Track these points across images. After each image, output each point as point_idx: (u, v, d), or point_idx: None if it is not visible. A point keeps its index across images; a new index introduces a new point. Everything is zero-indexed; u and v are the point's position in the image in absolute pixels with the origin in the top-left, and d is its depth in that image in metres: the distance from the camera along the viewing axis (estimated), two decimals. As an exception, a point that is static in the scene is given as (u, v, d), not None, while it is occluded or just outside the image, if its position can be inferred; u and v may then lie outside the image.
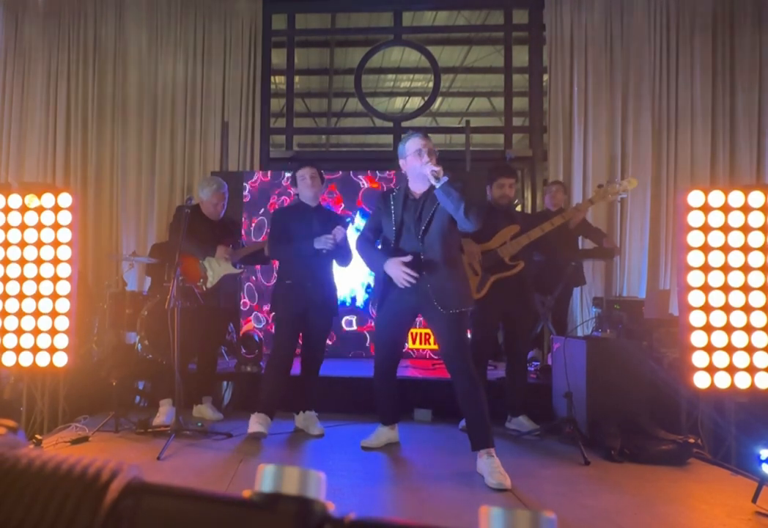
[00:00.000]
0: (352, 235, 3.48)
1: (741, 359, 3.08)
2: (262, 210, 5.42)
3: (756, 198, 3.13)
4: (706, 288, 3.11)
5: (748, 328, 3.09)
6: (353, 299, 5.33)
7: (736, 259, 3.11)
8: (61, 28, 6.15)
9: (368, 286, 5.30)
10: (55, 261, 3.33)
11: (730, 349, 3.08)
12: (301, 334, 3.45)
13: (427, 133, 2.89)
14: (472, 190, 2.91)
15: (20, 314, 3.33)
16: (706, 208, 3.14)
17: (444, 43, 7.15)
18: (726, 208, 3.13)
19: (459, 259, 2.94)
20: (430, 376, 4.31)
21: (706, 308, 3.11)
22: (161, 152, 6.05)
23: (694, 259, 3.12)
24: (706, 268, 3.12)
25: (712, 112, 5.78)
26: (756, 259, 3.11)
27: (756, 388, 3.06)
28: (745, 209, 3.13)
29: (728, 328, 3.10)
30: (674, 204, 5.35)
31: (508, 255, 3.45)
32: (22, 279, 3.33)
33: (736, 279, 3.11)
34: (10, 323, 3.34)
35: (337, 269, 3.47)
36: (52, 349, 3.33)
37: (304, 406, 3.49)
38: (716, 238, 3.12)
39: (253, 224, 5.44)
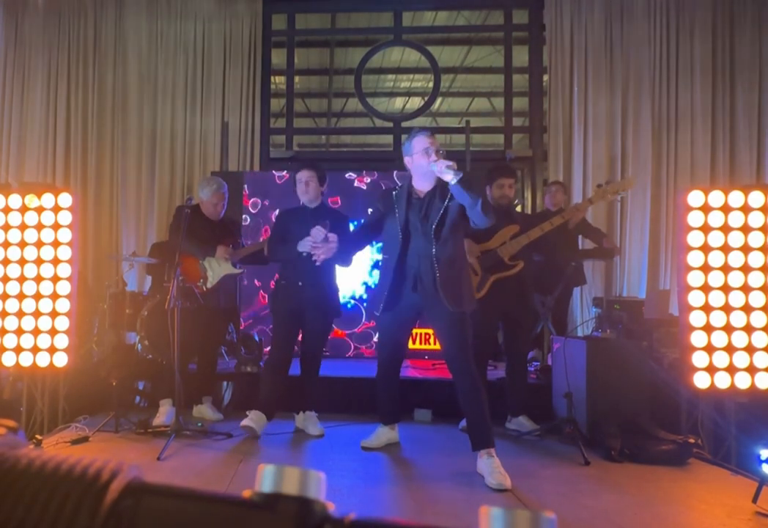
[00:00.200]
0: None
1: (741, 359, 3.07)
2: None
3: (756, 198, 3.13)
4: (706, 288, 3.11)
5: (748, 328, 3.09)
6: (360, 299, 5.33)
7: (736, 259, 3.11)
8: (61, 28, 6.15)
9: (368, 287, 5.30)
10: (55, 261, 3.33)
11: (730, 349, 3.08)
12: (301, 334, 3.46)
13: (428, 133, 2.88)
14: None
15: (20, 314, 3.33)
16: (706, 208, 3.14)
17: (444, 43, 7.15)
18: (726, 208, 3.13)
19: (464, 258, 2.94)
20: (430, 376, 4.31)
21: (706, 308, 3.11)
22: (161, 152, 6.05)
23: (694, 259, 3.12)
24: (706, 268, 3.11)
25: (712, 112, 5.78)
26: (756, 259, 3.11)
27: (756, 388, 3.06)
28: (745, 209, 3.13)
29: (728, 328, 3.09)
30: (674, 204, 5.36)
31: (507, 255, 3.45)
32: (22, 279, 3.33)
33: (736, 279, 3.10)
34: (10, 323, 3.33)
35: (341, 270, 3.48)
36: (52, 349, 3.32)
37: (304, 407, 3.49)
38: (716, 238, 3.12)
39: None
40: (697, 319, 3.10)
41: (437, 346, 4.82)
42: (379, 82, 8.33)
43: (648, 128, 5.78)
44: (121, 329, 4.62)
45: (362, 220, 3.14)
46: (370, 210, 4.20)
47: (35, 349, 3.32)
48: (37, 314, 3.33)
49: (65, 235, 3.34)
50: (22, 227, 3.34)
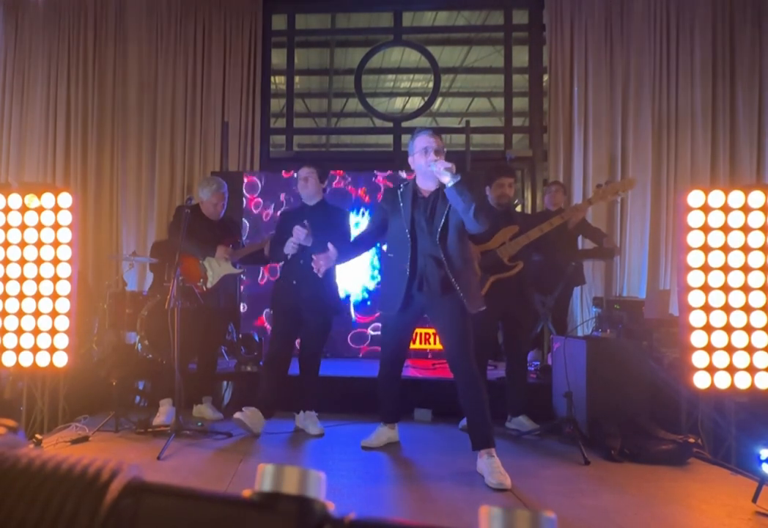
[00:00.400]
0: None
1: (741, 359, 3.07)
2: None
3: (756, 198, 3.13)
4: (706, 288, 3.11)
5: (748, 328, 3.09)
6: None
7: (736, 259, 3.11)
8: (61, 29, 6.15)
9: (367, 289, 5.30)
10: (55, 261, 3.33)
11: (730, 349, 3.08)
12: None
13: (430, 133, 2.86)
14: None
15: (20, 314, 3.33)
16: (706, 208, 3.13)
17: (444, 43, 7.15)
18: (726, 208, 3.13)
19: (472, 259, 2.93)
20: (430, 376, 4.31)
21: (706, 308, 3.10)
22: (161, 152, 6.05)
23: (694, 259, 3.12)
24: (706, 269, 3.11)
25: (712, 112, 5.77)
26: (756, 259, 3.10)
27: (756, 388, 3.06)
28: (745, 209, 3.13)
29: (728, 328, 3.09)
30: (674, 204, 5.36)
31: (507, 255, 3.45)
32: (22, 279, 3.33)
33: (736, 279, 3.10)
34: (10, 323, 3.33)
35: (340, 268, 3.48)
36: (52, 349, 3.32)
37: (303, 406, 3.49)
38: (716, 239, 3.12)
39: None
40: (697, 319, 3.10)
41: (438, 346, 4.83)
42: (379, 82, 8.32)
43: (648, 128, 5.78)
44: (121, 329, 4.62)
45: (367, 224, 3.11)
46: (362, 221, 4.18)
47: (35, 349, 3.32)
48: (37, 314, 3.33)
49: (65, 235, 3.34)
50: (22, 227, 3.34)
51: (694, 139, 5.76)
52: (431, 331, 4.98)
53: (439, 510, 2.26)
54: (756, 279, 3.10)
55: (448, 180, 2.61)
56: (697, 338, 3.09)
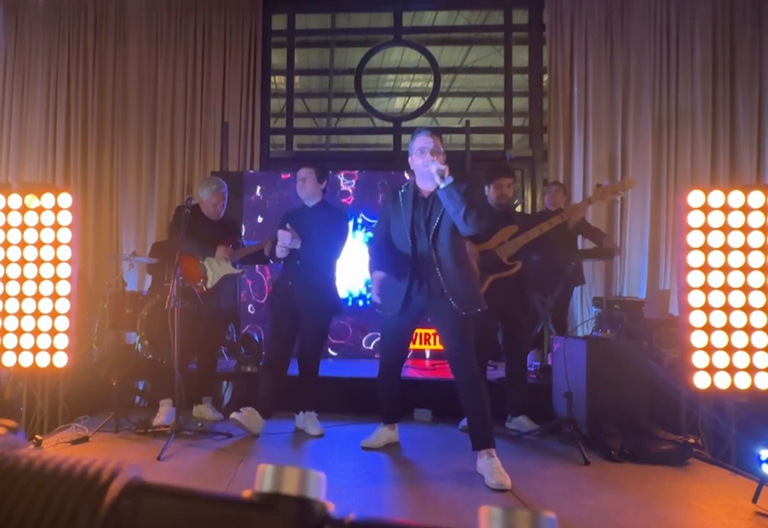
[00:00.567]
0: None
1: (741, 359, 3.07)
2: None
3: (756, 198, 3.13)
4: (706, 288, 3.11)
5: (748, 329, 3.09)
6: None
7: (736, 259, 3.11)
8: (61, 29, 6.15)
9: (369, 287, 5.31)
10: (55, 261, 3.33)
11: (730, 349, 3.08)
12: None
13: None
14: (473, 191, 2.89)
15: (20, 314, 3.33)
16: (706, 208, 3.13)
17: (444, 43, 7.15)
18: (726, 208, 3.13)
19: (468, 259, 2.93)
20: (430, 376, 4.31)
21: (706, 308, 3.10)
22: (161, 152, 6.05)
23: (694, 259, 3.12)
24: (706, 269, 3.11)
25: (712, 112, 5.77)
26: (756, 259, 3.10)
27: (756, 388, 3.06)
28: (745, 209, 3.13)
29: (728, 329, 3.09)
30: (674, 204, 5.36)
31: (506, 255, 3.45)
32: (22, 279, 3.33)
33: (736, 279, 3.10)
34: (10, 323, 3.33)
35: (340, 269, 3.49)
36: (52, 350, 3.32)
37: (303, 407, 3.49)
38: (716, 239, 3.12)
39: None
40: (697, 319, 3.10)
41: (438, 346, 4.83)
42: (379, 82, 8.32)
43: (648, 128, 5.78)
44: (121, 329, 4.62)
45: (378, 229, 3.08)
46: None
47: (35, 349, 3.32)
48: (37, 314, 3.33)
49: (65, 235, 3.34)
50: (22, 227, 3.34)
51: (694, 139, 5.76)
52: (431, 331, 4.98)
53: (439, 510, 2.26)
54: (756, 279, 3.10)
55: (438, 182, 2.62)
56: (697, 338, 3.09)
